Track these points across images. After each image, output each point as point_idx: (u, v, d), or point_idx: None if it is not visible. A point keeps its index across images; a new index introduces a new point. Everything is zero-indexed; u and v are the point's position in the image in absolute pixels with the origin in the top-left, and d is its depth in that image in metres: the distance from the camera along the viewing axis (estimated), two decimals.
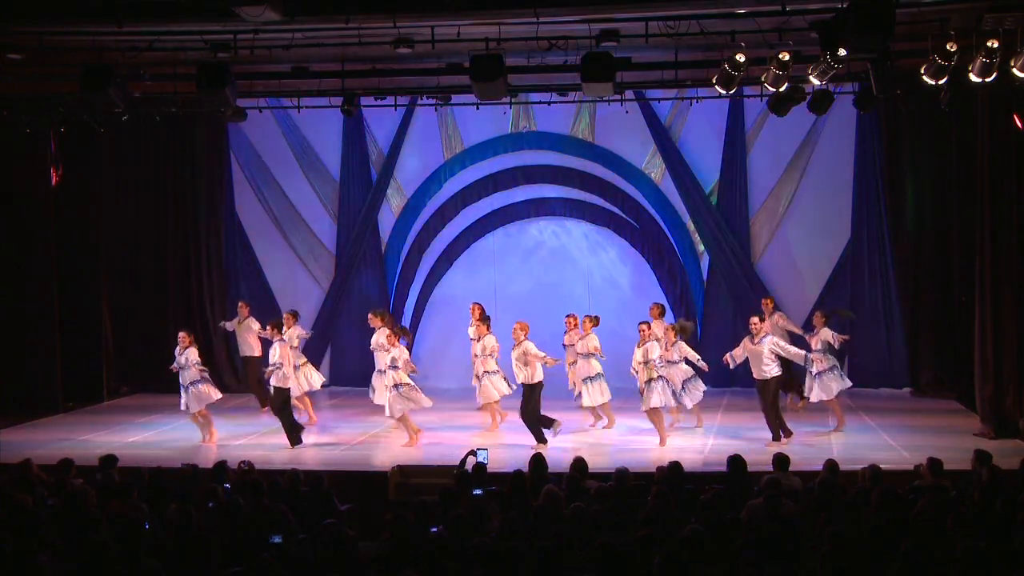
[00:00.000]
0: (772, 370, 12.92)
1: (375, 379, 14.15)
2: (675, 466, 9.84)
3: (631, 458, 11.90)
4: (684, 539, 7.13)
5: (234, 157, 18.23)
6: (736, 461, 9.91)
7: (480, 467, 10.08)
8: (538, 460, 10.00)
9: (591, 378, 13.58)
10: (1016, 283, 13.09)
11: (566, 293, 17.72)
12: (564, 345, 14.43)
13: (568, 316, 14.43)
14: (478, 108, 14.31)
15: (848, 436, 13.39)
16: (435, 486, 10.43)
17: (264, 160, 18.25)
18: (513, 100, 14.10)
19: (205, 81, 12.09)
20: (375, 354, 13.97)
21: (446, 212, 18.10)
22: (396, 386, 13.11)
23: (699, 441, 13.33)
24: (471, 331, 14.44)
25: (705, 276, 17.64)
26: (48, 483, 9.77)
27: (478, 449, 10.66)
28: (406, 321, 18.04)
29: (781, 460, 9.96)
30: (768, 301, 15.02)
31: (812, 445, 12.75)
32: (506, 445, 12.96)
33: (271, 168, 18.26)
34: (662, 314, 14.72)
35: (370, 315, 14.18)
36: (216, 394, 13.78)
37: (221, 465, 10.12)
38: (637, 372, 13.14)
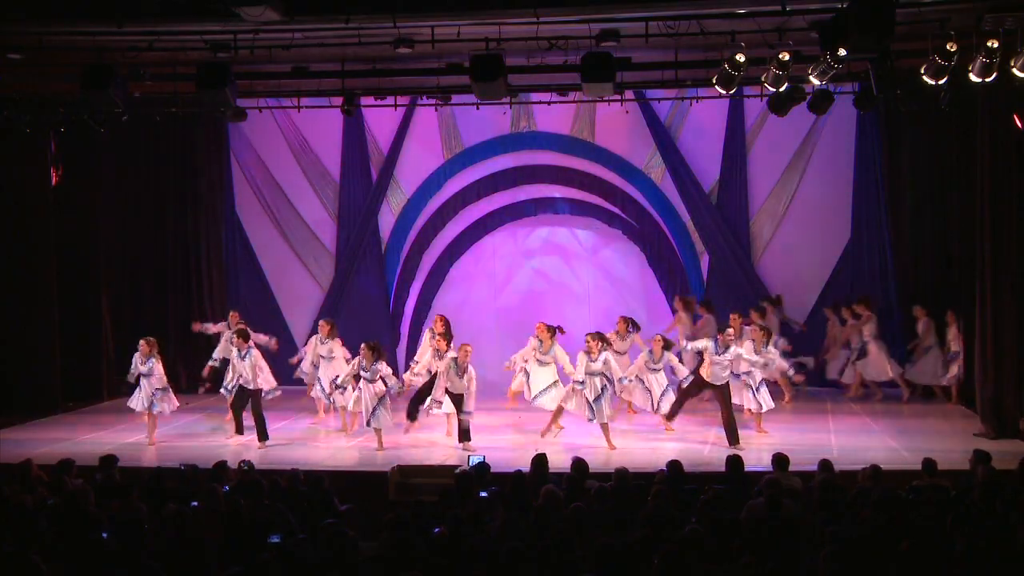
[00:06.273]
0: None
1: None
2: (675, 466, 9.85)
3: (631, 458, 11.91)
4: (684, 539, 7.13)
5: (234, 157, 18.23)
6: (736, 461, 9.92)
7: (483, 467, 10.08)
8: (539, 460, 10.00)
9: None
10: (1016, 283, 13.08)
11: (566, 293, 17.74)
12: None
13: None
14: (478, 108, 14.30)
15: (848, 436, 13.39)
16: (435, 486, 10.46)
17: (264, 160, 18.24)
18: (513, 100, 14.09)
19: (205, 81, 12.09)
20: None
21: (446, 212, 18.08)
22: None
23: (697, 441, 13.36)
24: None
25: (705, 276, 17.63)
26: (48, 483, 9.77)
27: (470, 455, 10.65)
28: (406, 321, 18.04)
29: (781, 460, 9.97)
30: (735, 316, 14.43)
31: (812, 445, 12.74)
32: (506, 446, 12.95)
33: (271, 168, 18.24)
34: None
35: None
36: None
37: (221, 465, 10.14)
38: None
